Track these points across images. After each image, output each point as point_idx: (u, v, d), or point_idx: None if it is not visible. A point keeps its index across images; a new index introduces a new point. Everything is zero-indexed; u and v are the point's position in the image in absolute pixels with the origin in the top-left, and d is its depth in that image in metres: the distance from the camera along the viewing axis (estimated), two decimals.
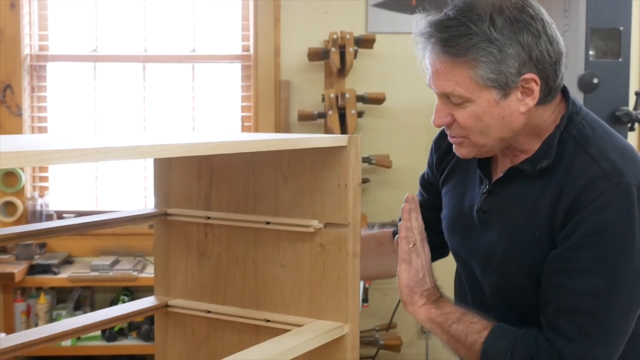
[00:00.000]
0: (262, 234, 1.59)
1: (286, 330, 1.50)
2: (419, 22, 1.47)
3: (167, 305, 1.71)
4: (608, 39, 2.97)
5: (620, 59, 2.97)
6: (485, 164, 1.58)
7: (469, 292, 1.62)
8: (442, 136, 1.71)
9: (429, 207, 1.73)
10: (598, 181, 1.37)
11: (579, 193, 1.38)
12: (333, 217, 1.50)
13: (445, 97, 1.46)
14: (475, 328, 1.48)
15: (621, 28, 2.97)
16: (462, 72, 1.40)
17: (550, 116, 1.48)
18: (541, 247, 1.44)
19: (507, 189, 1.52)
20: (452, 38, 1.39)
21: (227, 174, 1.63)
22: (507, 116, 1.43)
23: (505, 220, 1.50)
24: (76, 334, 1.56)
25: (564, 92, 1.51)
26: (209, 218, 1.64)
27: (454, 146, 1.53)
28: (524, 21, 1.39)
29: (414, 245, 1.56)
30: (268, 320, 1.58)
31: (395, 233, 1.82)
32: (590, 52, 2.96)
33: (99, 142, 1.10)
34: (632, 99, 3.09)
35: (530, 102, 1.43)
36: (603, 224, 1.36)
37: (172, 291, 1.73)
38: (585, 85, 2.90)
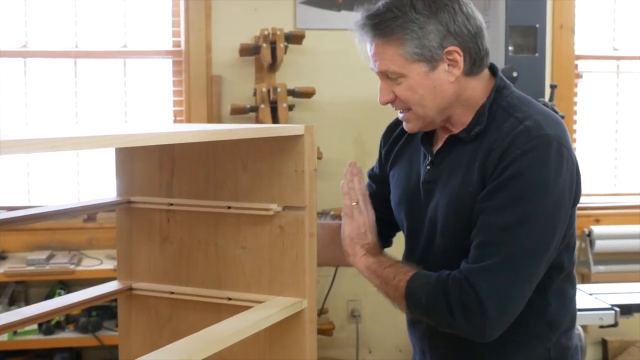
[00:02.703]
0: (223, 218, 1.70)
1: (248, 307, 1.59)
2: (356, 16, 1.67)
3: (131, 289, 1.80)
4: (525, 35, 3.18)
5: (537, 54, 3.19)
6: (428, 141, 1.75)
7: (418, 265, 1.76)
8: (389, 129, 1.92)
9: (379, 198, 1.88)
10: (521, 136, 1.57)
11: (506, 148, 1.57)
12: (291, 201, 1.62)
13: (385, 76, 1.66)
14: (403, 270, 1.66)
15: (537, 25, 3.19)
16: (392, 50, 1.62)
17: (481, 89, 1.68)
18: (475, 201, 1.61)
19: (446, 157, 1.70)
20: (381, 22, 1.62)
21: (188, 163, 1.73)
22: (438, 86, 1.63)
23: (445, 185, 1.68)
24: (45, 317, 1.64)
25: (494, 69, 1.72)
26: (171, 204, 1.74)
27: (403, 124, 1.72)
28: (440, 2, 1.61)
29: (357, 203, 1.76)
30: (230, 299, 1.69)
31: None
32: (510, 48, 3.17)
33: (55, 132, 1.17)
34: (547, 91, 3.31)
35: (457, 72, 1.63)
36: (521, 169, 1.55)
37: (135, 276, 1.82)
38: (505, 78, 3.10)
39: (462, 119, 1.68)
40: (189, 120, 4.09)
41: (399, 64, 1.61)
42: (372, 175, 1.96)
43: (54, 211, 1.70)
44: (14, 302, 3.85)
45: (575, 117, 4.46)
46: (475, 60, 1.65)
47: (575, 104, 4.46)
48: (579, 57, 4.44)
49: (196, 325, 1.71)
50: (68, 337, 3.76)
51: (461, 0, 1.64)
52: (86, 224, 4.02)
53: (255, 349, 1.68)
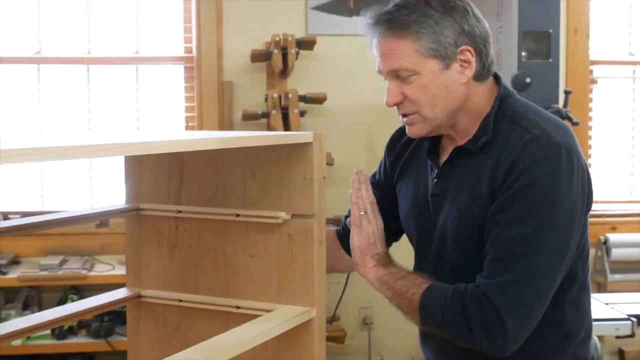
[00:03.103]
0: (232, 226, 1.69)
1: (256, 316, 1.58)
2: (366, 16, 1.64)
3: (139, 296, 1.80)
4: (538, 41, 3.15)
5: (550, 60, 3.16)
6: (433, 153, 1.73)
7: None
8: (393, 140, 1.89)
9: (381, 206, 1.83)
10: (530, 145, 1.55)
11: (515, 158, 1.55)
12: (299, 209, 1.61)
13: (394, 76, 1.62)
14: (416, 282, 1.62)
15: (550, 31, 3.16)
16: (406, 45, 1.58)
17: (485, 97, 1.66)
18: (486, 214, 1.58)
19: (453, 170, 1.67)
20: (395, 18, 1.59)
21: (196, 170, 1.73)
22: (451, 86, 1.61)
23: (454, 198, 1.65)
24: (56, 324, 1.64)
25: (497, 78, 1.70)
26: (180, 212, 1.73)
27: (407, 128, 1.68)
28: (453, 2, 1.60)
29: (365, 212, 1.72)
30: (239, 307, 1.68)
31: (338, 232, 1.95)
32: (523, 53, 3.14)
33: (68, 140, 1.17)
34: (561, 97, 3.28)
35: (469, 72, 1.61)
36: (533, 179, 1.52)
37: (144, 283, 1.81)
38: (518, 84, 3.08)
39: (467, 127, 1.66)
40: (200, 126, 4.09)
41: (413, 60, 1.58)
42: (374, 183, 1.92)
43: (63, 218, 1.70)
44: (27, 307, 3.86)
45: (590, 123, 4.42)
46: (485, 65, 1.64)
47: (590, 110, 4.42)
48: (593, 63, 4.41)
49: (204, 333, 1.71)
50: (80, 342, 3.78)
51: (471, 4, 1.63)
52: (99, 229, 4.03)
53: (263, 357, 1.67)
